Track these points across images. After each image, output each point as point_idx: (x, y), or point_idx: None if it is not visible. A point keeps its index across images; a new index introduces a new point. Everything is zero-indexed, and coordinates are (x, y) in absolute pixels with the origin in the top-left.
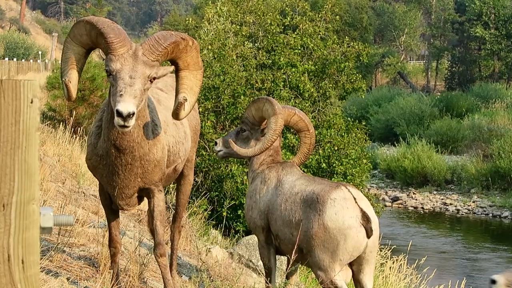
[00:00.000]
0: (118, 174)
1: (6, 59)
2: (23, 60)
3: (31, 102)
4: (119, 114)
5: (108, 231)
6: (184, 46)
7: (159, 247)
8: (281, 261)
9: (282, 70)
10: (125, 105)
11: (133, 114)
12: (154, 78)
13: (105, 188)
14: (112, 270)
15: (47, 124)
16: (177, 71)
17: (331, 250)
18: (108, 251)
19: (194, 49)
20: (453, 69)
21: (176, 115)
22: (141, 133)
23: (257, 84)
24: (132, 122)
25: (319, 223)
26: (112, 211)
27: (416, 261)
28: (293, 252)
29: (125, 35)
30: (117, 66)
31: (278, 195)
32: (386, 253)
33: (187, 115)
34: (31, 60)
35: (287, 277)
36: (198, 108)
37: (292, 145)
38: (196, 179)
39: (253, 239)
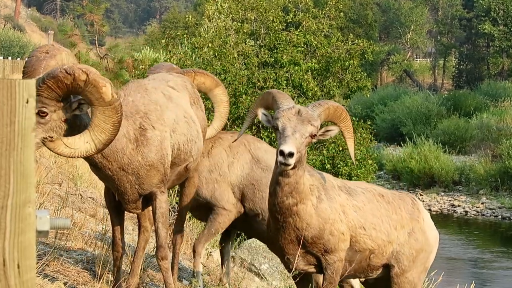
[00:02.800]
0: (112, 182)
1: (1, 57)
2: (18, 58)
3: (27, 102)
4: None
5: (112, 234)
6: (72, 81)
7: (161, 250)
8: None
9: (285, 68)
10: None
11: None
12: (44, 113)
13: (109, 190)
14: (114, 275)
15: None
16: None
17: None
18: (110, 255)
19: (90, 84)
20: (461, 67)
21: (52, 151)
22: (99, 153)
23: (259, 83)
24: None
25: None
26: (116, 214)
27: None
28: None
29: (37, 66)
30: None
31: (265, 175)
32: None
33: (80, 154)
34: (27, 59)
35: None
36: None
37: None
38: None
39: (255, 242)
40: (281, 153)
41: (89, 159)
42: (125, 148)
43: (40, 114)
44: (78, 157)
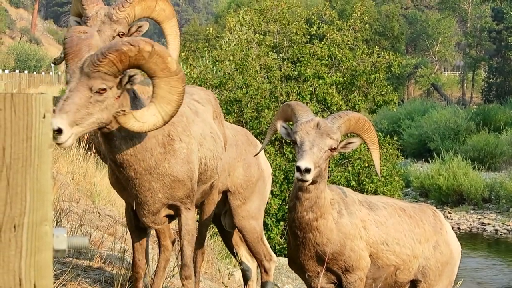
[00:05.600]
0: (130, 189)
1: (17, 71)
2: (34, 72)
3: (44, 117)
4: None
5: (132, 254)
6: (136, 53)
7: (185, 269)
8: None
9: (309, 82)
10: (53, 121)
11: (60, 130)
12: (104, 90)
13: (129, 208)
14: None
15: None
16: (150, 79)
17: None
18: (128, 275)
19: (155, 54)
20: (490, 80)
21: (122, 126)
22: (131, 145)
23: (282, 97)
24: (62, 138)
25: None
26: (137, 233)
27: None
28: None
29: (82, 46)
30: (68, 78)
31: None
32: None
33: (149, 127)
34: (43, 73)
35: None
36: None
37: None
38: None
39: (278, 261)
40: (298, 169)
41: (116, 156)
42: (153, 150)
43: (100, 91)
44: (146, 131)
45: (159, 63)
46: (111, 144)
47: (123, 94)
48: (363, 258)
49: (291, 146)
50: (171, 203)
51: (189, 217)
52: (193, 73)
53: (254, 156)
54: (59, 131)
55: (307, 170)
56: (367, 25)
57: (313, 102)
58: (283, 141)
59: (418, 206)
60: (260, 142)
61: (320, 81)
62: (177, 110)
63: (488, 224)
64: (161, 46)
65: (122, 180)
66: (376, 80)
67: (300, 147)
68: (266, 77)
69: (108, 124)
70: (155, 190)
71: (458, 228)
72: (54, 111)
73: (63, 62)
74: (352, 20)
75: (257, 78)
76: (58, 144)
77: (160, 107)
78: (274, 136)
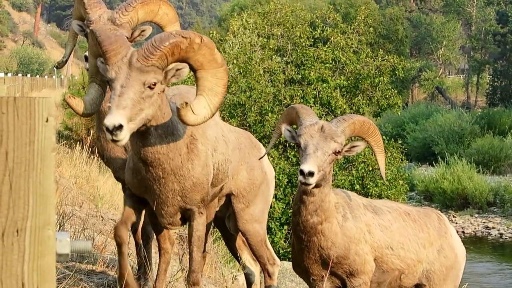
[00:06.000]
0: (153, 189)
1: (20, 75)
2: (37, 76)
3: (47, 121)
4: (106, 128)
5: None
6: (187, 45)
7: (193, 275)
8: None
9: (313, 85)
10: (110, 118)
11: (120, 126)
12: (155, 84)
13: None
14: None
15: (63, 144)
16: (194, 73)
17: None
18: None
19: (204, 46)
20: (495, 83)
21: (180, 119)
22: (165, 143)
23: (285, 101)
24: (122, 135)
25: None
26: (136, 199)
27: None
28: None
29: (122, 42)
30: (112, 75)
31: None
32: None
33: (201, 120)
34: (46, 76)
35: None
36: None
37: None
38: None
39: (282, 265)
40: (301, 172)
41: (148, 155)
42: (181, 149)
43: (151, 86)
44: (199, 123)
45: (207, 55)
46: (145, 142)
47: (164, 89)
48: (367, 262)
49: (295, 149)
50: (188, 207)
51: (201, 222)
52: None
53: (259, 159)
54: (119, 128)
55: (311, 174)
56: (371, 28)
57: (317, 105)
58: (287, 144)
59: (422, 210)
60: (264, 145)
61: (324, 85)
62: (222, 103)
63: (493, 228)
64: (207, 37)
65: (147, 180)
66: (380, 83)
67: (304, 150)
68: (269, 80)
69: (149, 122)
70: (175, 192)
71: (463, 232)
72: (109, 108)
73: (66, 65)
74: (356, 23)
75: (260, 82)
76: (116, 141)
77: (209, 100)
78: (278, 139)
